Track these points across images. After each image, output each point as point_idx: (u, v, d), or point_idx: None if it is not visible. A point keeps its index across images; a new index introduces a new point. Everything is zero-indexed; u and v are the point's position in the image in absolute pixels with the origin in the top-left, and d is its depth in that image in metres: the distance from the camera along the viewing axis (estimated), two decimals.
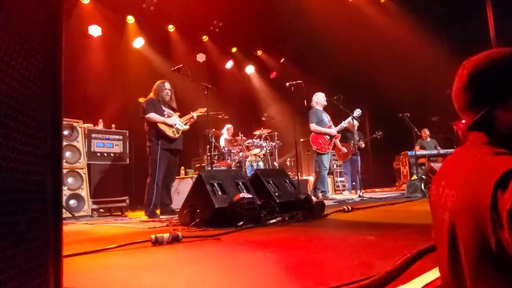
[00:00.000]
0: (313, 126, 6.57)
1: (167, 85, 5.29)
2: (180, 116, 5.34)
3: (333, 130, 6.64)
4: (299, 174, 6.75)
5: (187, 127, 5.38)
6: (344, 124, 6.85)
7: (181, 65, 5.06)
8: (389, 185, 10.44)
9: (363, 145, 8.33)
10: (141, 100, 5.42)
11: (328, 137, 6.63)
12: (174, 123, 5.15)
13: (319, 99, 6.82)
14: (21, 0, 0.72)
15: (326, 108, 7.00)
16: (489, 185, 0.71)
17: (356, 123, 7.74)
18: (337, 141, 8.32)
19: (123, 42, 8.39)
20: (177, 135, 5.17)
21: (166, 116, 5.11)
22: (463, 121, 0.96)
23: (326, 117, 6.79)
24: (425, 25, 8.67)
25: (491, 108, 0.87)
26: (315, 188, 6.76)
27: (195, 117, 5.46)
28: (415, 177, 7.03)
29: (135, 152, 7.17)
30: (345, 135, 8.28)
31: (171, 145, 5.12)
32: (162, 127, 5.02)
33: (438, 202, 0.92)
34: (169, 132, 5.06)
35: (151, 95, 5.21)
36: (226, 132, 8.07)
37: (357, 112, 6.82)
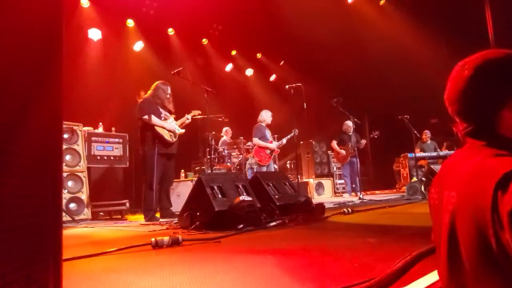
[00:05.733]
0: (255, 140, 6.93)
1: (169, 89, 5.13)
2: (176, 119, 5.21)
3: (273, 145, 6.94)
4: (299, 176, 6.75)
5: (183, 130, 5.24)
6: (283, 141, 7.06)
7: (181, 68, 5.01)
8: (389, 187, 10.44)
9: (363, 145, 8.35)
10: (142, 93, 5.21)
11: (269, 151, 6.96)
12: (174, 128, 5.02)
13: (265, 118, 7.06)
14: (21, 3, 0.72)
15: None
16: (489, 186, 0.71)
17: (352, 125, 7.77)
18: (335, 145, 8.36)
19: (123, 45, 8.41)
20: (174, 139, 5.03)
21: (163, 118, 4.97)
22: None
23: (268, 133, 7.10)
24: (424, 27, 8.69)
25: (495, 110, 0.85)
26: None
27: (190, 119, 5.30)
28: (415, 179, 7.03)
29: (135, 155, 7.15)
30: (342, 138, 8.31)
31: (168, 150, 4.96)
32: (160, 130, 4.86)
33: (437, 204, 0.92)
34: (167, 136, 4.91)
35: (149, 93, 5.02)
36: (225, 135, 8.08)
37: (294, 132, 6.90)
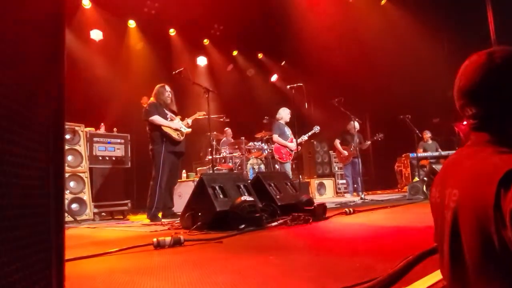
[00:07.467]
0: (275, 138, 6.88)
1: (167, 87, 5.28)
2: (181, 120, 5.35)
3: (293, 145, 6.92)
4: (300, 176, 6.75)
5: (189, 129, 5.38)
6: (304, 137, 7.08)
7: (182, 68, 5.08)
8: (390, 187, 10.42)
9: (367, 146, 8.34)
10: (144, 100, 5.40)
11: (289, 149, 6.96)
12: (180, 126, 5.16)
13: (283, 116, 7.01)
14: (23, 5, 0.72)
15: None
16: (492, 184, 0.70)
17: (357, 125, 7.75)
18: (338, 144, 8.36)
19: (124, 46, 8.43)
20: (181, 138, 5.18)
21: (169, 119, 5.10)
22: (465, 122, 0.95)
23: (288, 131, 7.05)
24: (425, 27, 8.67)
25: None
26: None
27: (190, 123, 5.47)
28: (416, 179, 7.02)
29: (136, 156, 7.17)
30: (345, 138, 8.30)
31: (176, 148, 5.11)
32: (167, 130, 5.01)
33: (439, 203, 0.92)
34: (174, 134, 5.06)
35: (152, 99, 5.19)
36: (226, 135, 8.10)
37: (316, 129, 7.07)
